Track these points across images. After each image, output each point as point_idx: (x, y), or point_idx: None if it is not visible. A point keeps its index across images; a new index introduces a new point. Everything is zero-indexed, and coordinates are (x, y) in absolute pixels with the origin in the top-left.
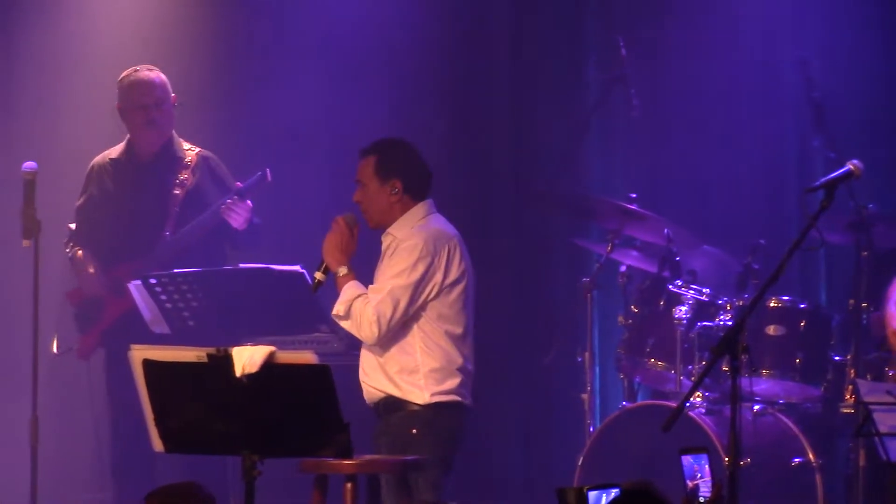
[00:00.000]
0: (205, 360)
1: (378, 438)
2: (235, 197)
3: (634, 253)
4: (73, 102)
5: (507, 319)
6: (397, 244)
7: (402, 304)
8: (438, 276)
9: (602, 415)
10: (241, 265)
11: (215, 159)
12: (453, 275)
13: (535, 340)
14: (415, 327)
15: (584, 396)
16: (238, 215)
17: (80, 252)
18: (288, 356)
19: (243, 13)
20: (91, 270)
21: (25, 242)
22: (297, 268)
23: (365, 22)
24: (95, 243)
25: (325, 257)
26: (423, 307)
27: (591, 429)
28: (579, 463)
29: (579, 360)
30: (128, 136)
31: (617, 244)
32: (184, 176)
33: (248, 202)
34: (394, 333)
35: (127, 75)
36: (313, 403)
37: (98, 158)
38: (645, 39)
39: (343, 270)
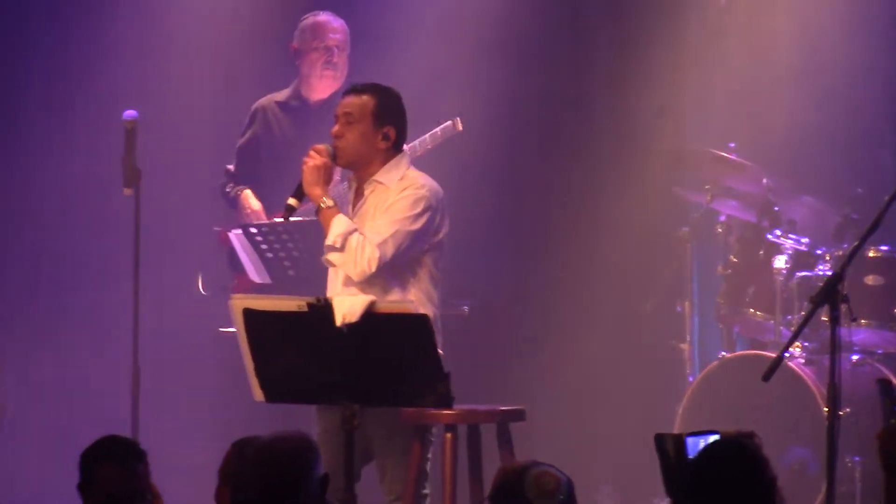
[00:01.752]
0: (305, 309)
1: None
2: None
3: (733, 203)
4: (175, 50)
5: (606, 269)
6: (384, 191)
7: (403, 249)
8: (434, 231)
9: (701, 365)
10: None
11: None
12: (443, 232)
13: (635, 290)
14: (410, 279)
15: (684, 346)
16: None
17: (245, 191)
18: (388, 305)
19: None
20: (256, 209)
21: (126, 191)
22: None
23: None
24: (257, 184)
25: (308, 188)
26: (417, 259)
27: (691, 378)
28: (679, 412)
29: (679, 309)
30: (297, 79)
31: (716, 194)
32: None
33: None
34: (386, 281)
35: (310, 16)
36: (413, 353)
37: (263, 101)
38: None
39: (328, 202)
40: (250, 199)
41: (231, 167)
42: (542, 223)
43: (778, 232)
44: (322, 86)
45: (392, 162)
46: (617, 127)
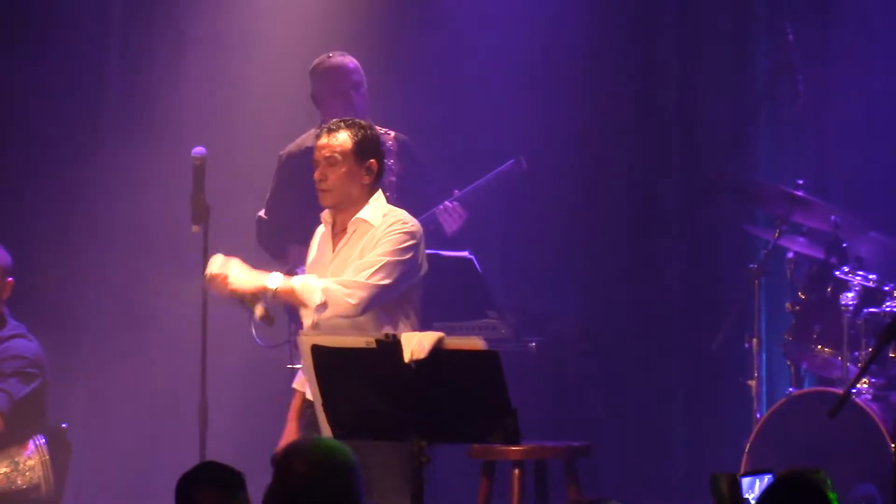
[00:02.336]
0: (373, 345)
1: None
2: (455, 202)
3: (801, 239)
4: (242, 88)
5: (674, 305)
6: (369, 230)
7: (395, 280)
8: (419, 266)
9: (769, 401)
10: None
11: (413, 142)
12: (424, 269)
13: (703, 326)
14: (401, 316)
15: (751, 383)
16: (454, 221)
17: (294, 247)
18: (456, 342)
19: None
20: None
21: (195, 228)
22: (465, 253)
23: (532, 14)
24: (288, 229)
25: (244, 294)
26: (405, 296)
27: (758, 415)
28: (746, 449)
29: (746, 346)
30: (320, 123)
31: (784, 230)
32: (390, 162)
33: (465, 210)
34: (377, 319)
35: (320, 62)
36: (481, 389)
37: (292, 147)
38: (813, 25)
39: (273, 281)
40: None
41: (262, 214)
42: (611, 259)
43: (846, 268)
44: None
45: (375, 198)
46: (685, 164)
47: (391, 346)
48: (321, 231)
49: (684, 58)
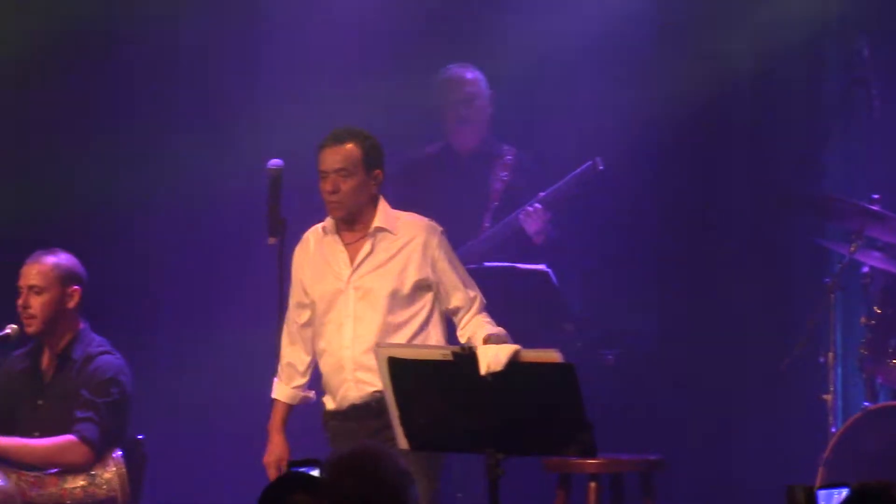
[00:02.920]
0: (450, 358)
1: (382, 433)
2: (538, 205)
3: (876, 254)
4: (318, 99)
5: (749, 320)
6: (391, 239)
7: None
8: None
9: (844, 415)
10: (486, 263)
11: (532, 160)
12: None
13: (778, 341)
14: (430, 320)
15: (827, 397)
16: (533, 223)
17: None
18: (533, 354)
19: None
20: None
21: (271, 240)
22: (541, 266)
23: (603, 22)
24: None
25: None
26: (431, 299)
27: (833, 429)
28: (821, 463)
29: (822, 360)
30: (448, 133)
31: (859, 245)
32: (503, 173)
33: (548, 213)
34: (417, 330)
35: (441, 73)
36: (557, 402)
37: (416, 154)
38: (889, 40)
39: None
40: None
41: None
42: (686, 274)
43: None
44: (462, 139)
45: (382, 206)
46: (759, 176)
47: (467, 359)
48: (312, 243)
49: (757, 72)
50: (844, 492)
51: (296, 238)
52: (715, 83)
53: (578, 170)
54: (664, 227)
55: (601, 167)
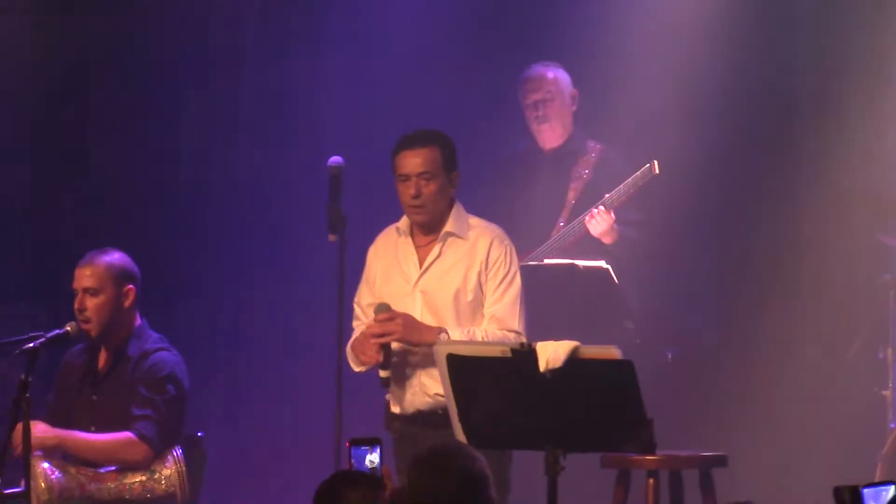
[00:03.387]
0: (509, 354)
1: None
2: (601, 206)
3: None
4: (379, 96)
5: (808, 316)
6: (460, 244)
7: (522, 305)
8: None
9: None
10: (546, 261)
11: (618, 155)
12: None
13: (837, 336)
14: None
15: (886, 393)
16: (597, 225)
17: None
18: (592, 351)
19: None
20: None
21: (331, 237)
22: (601, 263)
23: (665, 16)
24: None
25: (416, 338)
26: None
27: (892, 425)
28: (880, 459)
29: (881, 356)
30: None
31: None
32: (584, 170)
33: (611, 214)
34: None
35: (524, 72)
36: (616, 398)
37: (506, 151)
38: None
39: (444, 334)
40: None
41: None
42: (746, 270)
43: None
44: (544, 137)
45: (456, 211)
46: (819, 172)
47: (527, 355)
48: (385, 243)
49: (821, 67)
50: (892, 489)
51: (356, 235)
52: (778, 80)
53: (636, 172)
54: (724, 225)
55: (657, 171)
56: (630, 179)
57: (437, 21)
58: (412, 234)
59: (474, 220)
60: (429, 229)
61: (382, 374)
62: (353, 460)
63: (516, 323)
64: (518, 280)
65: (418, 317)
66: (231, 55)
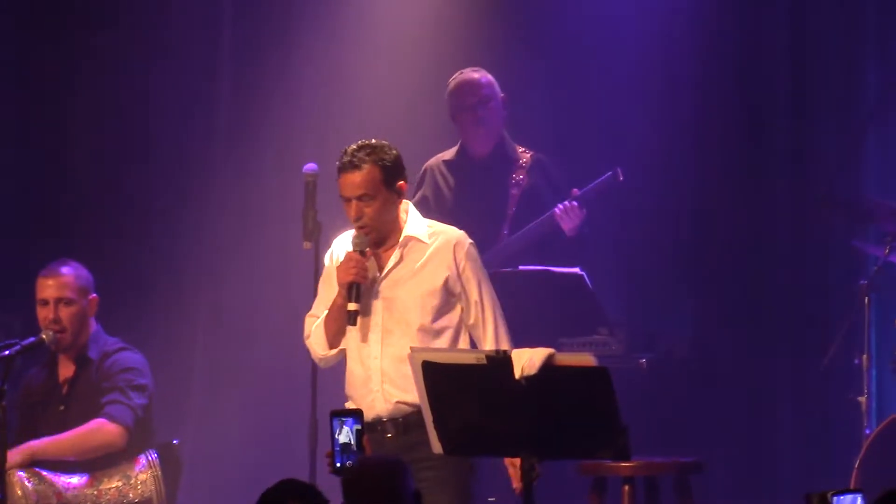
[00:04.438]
0: (484, 361)
1: (406, 453)
2: (574, 202)
3: None
4: (353, 103)
5: (783, 322)
6: (420, 248)
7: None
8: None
9: (879, 417)
10: (521, 267)
11: (550, 161)
12: None
13: (812, 342)
14: (461, 328)
15: (862, 399)
16: (570, 220)
17: None
18: (567, 358)
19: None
20: None
21: (306, 245)
22: (576, 270)
23: (643, 23)
24: None
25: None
26: (455, 306)
27: (868, 431)
28: (856, 465)
29: (856, 362)
30: (460, 140)
31: (894, 247)
32: (519, 176)
33: (583, 210)
34: (450, 341)
35: (452, 79)
36: (592, 406)
37: (431, 161)
38: None
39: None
40: None
41: None
42: (720, 276)
43: None
44: (478, 142)
45: (412, 215)
46: (794, 179)
47: (502, 362)
48: (342, 250)
49: (794, 75)
50: (859, 499)
51: (331, 242)
52: (752, 86)
53: (599, 179)
54: (698, 231)
55: (621, 178)
56: (596, 184)
57: (413, 25)
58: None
59: (432, 223)
60: (387, 238)
61: (351, 307)
62: (334, 432)
63: (508, 340)
64: (491, 286)
65: (380, 322)
66: (206, 61)
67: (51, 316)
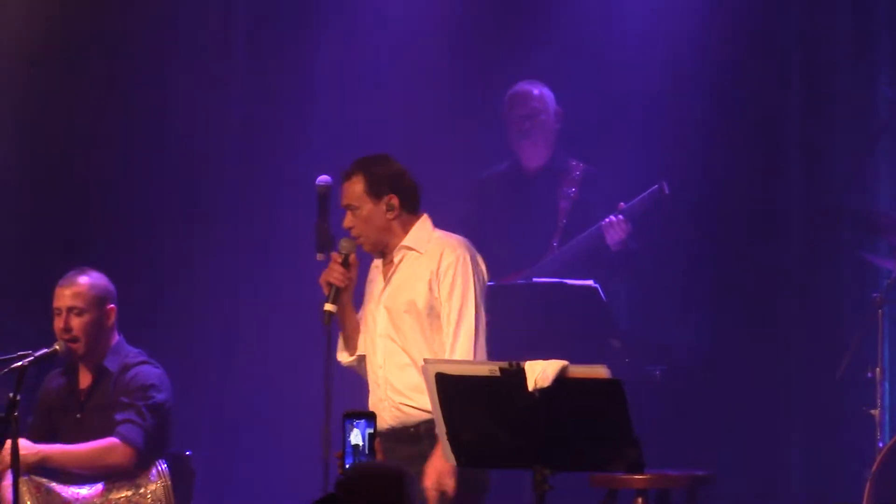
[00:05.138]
0: (497, 374)
1: (416, 463)
2: (620, 216)
3: None
4: (368, 115)
5: (796, 335)
6: (415, 258)
7: (480, 316)
8: (485, 277)
9: (892, 430)
10: (535, 279)
11: (601, 175)
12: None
13: (825, 356)
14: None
15: (874, 412)
16: (615, 233)
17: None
18: (580, 370)
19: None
20: None
21: (319, 256)
22: (590, 282)
23: (651, 31)
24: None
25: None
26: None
27: (881, 444)
28: (869, 478)
29: (869, 375)
30: (515, 152)
31: None
32: (570, 189)
33: (629, 224)
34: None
35: (509, 89)
36: (605, 418)
37: (486, 173)
38: None
39: None
40: None
41: None
42: (732, 289)
43: None
44: (528, 156)
45: (417, 225)
46: (808, 192)
47: (515, 375)
48: (374, 265)
49: (805, 87)
50: None
51: None
52: (763, 95)
53: (646, 192)
54: (711, 244)
55: (667, 191)
56: (642, 197)
57: (428, 39)
58: (384, 255)
59: (438, 234)
60: (391, 250)
61: (326, 307)
62: (346, 434)
63: (464, 347)
64: (471, 298)
65: (383, 332)
66: (219, 71)
67: (62, 325)
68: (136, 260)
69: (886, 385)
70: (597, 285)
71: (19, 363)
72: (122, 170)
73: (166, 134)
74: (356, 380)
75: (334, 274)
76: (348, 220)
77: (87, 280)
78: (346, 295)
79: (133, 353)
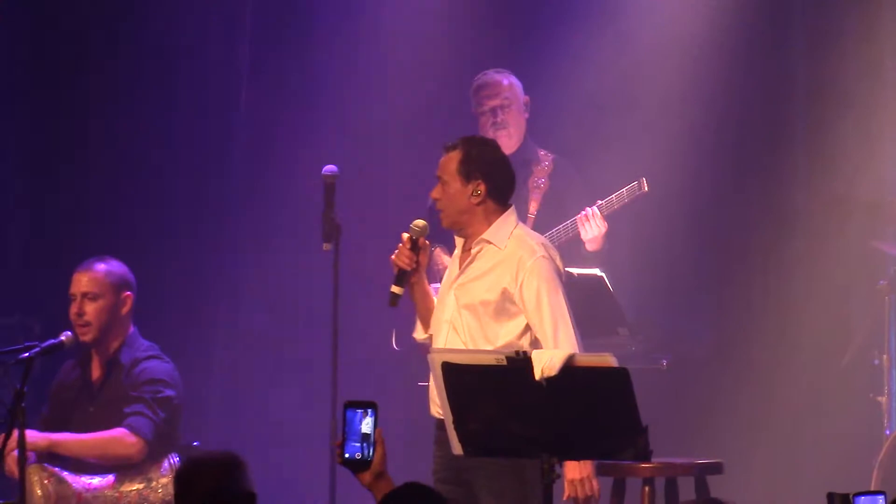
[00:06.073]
0: (504, 362)
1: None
2: (595, 209)
3: None
4: (370, 105)
5: (803, 322)
6: (494, 252)
7: (569, 317)
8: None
9: None
10: None
11: (572, 165)
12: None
13: (832, 343)
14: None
15: (882, 399)
16: (590, 229)
17: (437, 248)
18: (587, 359)
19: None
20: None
21: (326, 246)
22: (595, 271)
23: (659, 20)
24: (446, 240)
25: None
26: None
27: (888, 432)
28: (876, 465)
29: (876, 362)
30: None
31: None
32: (540, 180)
33: (605, 222)
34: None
35: (476, 79)
36: (612, 406)
37: None
38: None
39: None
40: (443, 256)
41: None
42: (740, 278)
43: None
44: (500, 145)
45: (501, 219)
46: (813, 179)
47: (522, 363)
48: (456, 246)
49: (813, 74)
50: (881, 500)
51: (350, 244)
52: (771, 85)
53: (624, 188)
54: (722, 231)
55: (646, 188)
56: (620, 193)
57: (434, 30)
58: (464, 242)
59: (518, 231)
60: (466, 235)
61: (393, 289)
62: (355, 423)
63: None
64: (560, 302)
65: (449, 318)
66: (225, 64)
67: (76, 310)
68: (144, 253)
69: (894, 372)
70: (602, 274)
71: (25, 354)
72: (129, 163)
73: (171, 132)
74: (363, 373)
75: (402, 257)
76: (436, 192)
77: (105, 267)
78: (416, 276)
79: (144, 347)
